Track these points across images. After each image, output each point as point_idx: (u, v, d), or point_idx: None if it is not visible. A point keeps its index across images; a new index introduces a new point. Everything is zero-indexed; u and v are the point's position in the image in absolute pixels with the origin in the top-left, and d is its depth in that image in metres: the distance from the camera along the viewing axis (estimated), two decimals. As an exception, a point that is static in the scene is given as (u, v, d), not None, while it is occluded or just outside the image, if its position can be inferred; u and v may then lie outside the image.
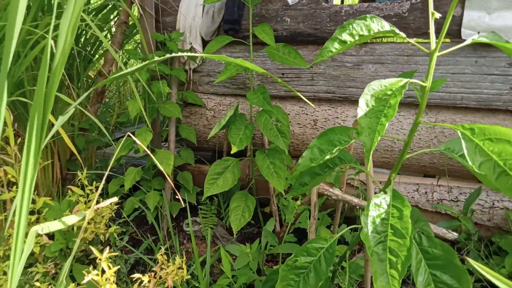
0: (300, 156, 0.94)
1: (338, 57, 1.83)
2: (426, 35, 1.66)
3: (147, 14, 1.99)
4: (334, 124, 1.92)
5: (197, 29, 2.03)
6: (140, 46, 2.22)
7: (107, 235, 1.46)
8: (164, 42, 1.94)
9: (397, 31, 0.78)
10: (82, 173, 1.45)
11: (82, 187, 1.49)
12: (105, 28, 2.34)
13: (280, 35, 1.88)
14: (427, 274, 0.86)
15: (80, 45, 2.23)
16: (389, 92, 0.73)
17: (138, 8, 1.95)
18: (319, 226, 1.76)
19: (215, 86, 2.12)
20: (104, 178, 0.83)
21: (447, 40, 1.71)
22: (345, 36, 0.79)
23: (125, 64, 2.60)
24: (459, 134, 0.74)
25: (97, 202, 1.51)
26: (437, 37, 0.76)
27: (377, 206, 0.79)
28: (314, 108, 1.96)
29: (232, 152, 1.60)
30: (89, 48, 2.28)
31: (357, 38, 0.79)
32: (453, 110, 1.71)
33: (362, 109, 0.73)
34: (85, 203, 1.47)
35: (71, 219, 0.82)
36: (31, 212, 1.41)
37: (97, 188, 1.52)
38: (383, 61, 1.75)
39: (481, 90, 1.62)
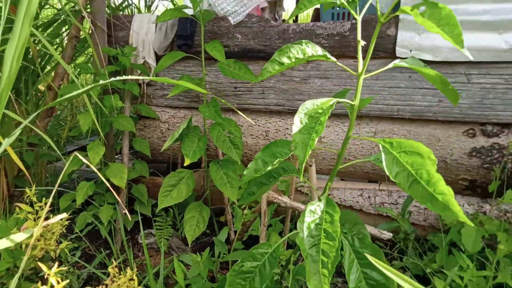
0: (247, 167, 1.02)
1: (287, 72, 1.94)
2: (366, 52, 1.80)
3: (99, 29, 1.99)
4: (285, 135, 2.02)
5: (150, 44, 2.06)
6: (91, 60, 2.21)
7: (58, 252, 1.44)
8: (117, 56, 1.96)
9: (329, 55, 0.88)
10: (30, 190, 1.43)
11: (31, 204, 1.46)
12: (55, 42, 2.30)
13: (232, 51, 1.96)
14: (358, 272, 0.96)
15: (28, 58, 2.18)
16: (320, 111, 0.82)
17: (89, 23, 1.95)
18: (272, 232, 1.84)
19: (169, 99, 2.16)
20: (53, 193, 0.85)
21: (387, 57, 1.86)
22: (284, 59, 0.88)
23: (77, 77, 2.56)
24: (380, 147, 0.84)
25: (47, 218, 1.49)
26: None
27: (312, 213, 0.88)
28: (266, 120, 2.05)
29: (185, 164, 1.64)
30: (39, 61, 2.23)
31: (293, 60, 0.88)
32: (391, 120, 1.87)
33: (296, 126, 0.81)
34: (34, 220, 1.44)
35: (18, 237, 0.83)
36: (-24, 231, 1.37)
37: (46, 204, 1.49)
38: (328, 76, 1.88)
39: (414, 102, 1.79)
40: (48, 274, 0.86)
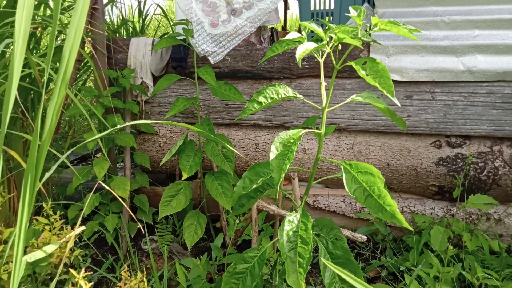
0: (236, 184, 1.21)
1: (273, 89, 2.13)
2: (343, 72, 2.01)
3: (99, 52, 2.18)
4: (273, 147, 2.22)
5: (147, 66, 2.25)
6: (93, 82, 2.39)
7: (72, 258, 1.62)
8: (117, 78, 2.14)
9: (298, 94, 1.08)
10: (47, 204, 1.61)
11: (47, 216, 1.64)
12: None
13: (223, 71, 2.15)
14: (332, 270, 1.15)
15: (32, 79, 2.36)
16: (291, 141, 1.01)
17: (90, 47, 2.13)
18: (263, 236, 2.04)
19: (166, 115, 2.34)
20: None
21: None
22: (261, 99, 1.08)
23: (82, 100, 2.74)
24: (342, 168, 1.04)
25: (61, 229, 1.67)
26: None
27: (290, 222, 1.07)
28: (255, 134, 2.25)
29: (183, 178, 1.83)
30: (45, 81, 2.40)
31: (269, 100, 1.08)
32: (368, 133, 2.08)
33: (273, 153, 1.01)
34: (50, 230, 1.62)
35: (49, 248, 1.01)
36: (-1, 243, 1.55)
37: (61, 216, 1.68)
38: (309, 94, 2.08)
39: (387, 117, 1.99)
40: (78, 278, 1.04)
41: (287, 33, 4.37)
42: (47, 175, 0.88)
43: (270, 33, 2.62)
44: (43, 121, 0.87)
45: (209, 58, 1.86)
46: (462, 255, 1.83)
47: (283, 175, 0.96)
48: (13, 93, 0.82)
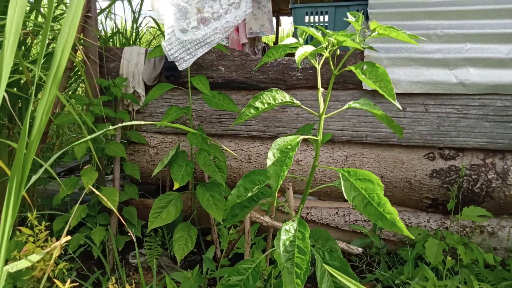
0: (230, 194, 1.17)
1: (266, 100, 2.12)
2: (338, 84, 2.01)
3: (91, 61, 2.15)
4: (266, 158, 2.19)
5: (140, 75, 2.22)
6: (84, 91, 2.35)
7: (56, 272, 1.55)
8: (109, 87, 2.11)
9: (295, 100, 1.07)
10: (32, 214, 1.54)
11: (32, 227, 1.58)
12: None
13: (216, 82, 2.14)
14: (329, 282, 1.12)
15: (20, 86, 2.31)
16: (289, 147, 0.99)
17: (82, 55, 2.10)
18: (256, 249, 1.99)
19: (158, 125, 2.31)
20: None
21: (355, 89, 2.07)
22: (258, 104, 1.06)
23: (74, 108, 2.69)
24: (340, 175, 1.02)
25: (45, 241, 1.60)
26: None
27: (287, 232, 1.04)
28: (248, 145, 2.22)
29: (174, 188, 1.79)
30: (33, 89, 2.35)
31: (266, 105, 1.06)
32: (361, 145, 2.07)
33: (270, 159, 0.99)
34: (34, 242, 1.55)
35: (34, 257, 0.96)
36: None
37: (46, 228, 1.61)
38: (304, 105, 2.06)
39: (381, 129, 1.99)
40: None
41: (279, 47, 4.41)
42: (33, 178, 0.83)
43: (263, 45, 2.63)
44: (30, 129, 0.83)
45: (177, 63, 1.85)
46: (457, 268, 1.81)
47: (281, 182, 0.93)
48: (0, 94, 0.79)
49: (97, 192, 1.13)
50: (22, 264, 0.89)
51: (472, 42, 1.76)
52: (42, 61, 0.84)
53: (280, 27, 5.33)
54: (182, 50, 1.79)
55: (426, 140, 1.91)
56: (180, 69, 1.85)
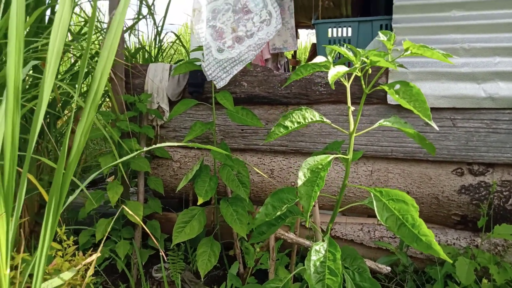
0: (258, 212, 1.17)
1: (289, 115, 2.12)
2: (360, 98, 1.99)
3: (118, 77, 2.20)
4: (288, 173, 2.18)
5: (164, 91, 2.26)
6: (108, 106, 2.41)
7: (83, 286, 1.57)
8: (134, 102, 2.15)
9: (325, 119, 1.06)
10: (61, 229, 1.57)
11: (60, 241, 1.60)
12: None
13: (239, 97, 2.15)
14: (362, 305, 1.09)
15: (49, 103, 2.38)
16: (320, 166, 0.98)
17: (110, 73, 2.15)
18: (279, 266, 1.96)
19: (181, 140, 2.33)
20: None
21: (379, 103, 2.04)
22: (288, 123, 1.06)
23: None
24: (372, 195, 1.00)
25: (73, 255, 1.63)
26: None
27: (317, 252, 1.03)
28: (271, 159, 2.22)
29: (198, 203, 1.79)
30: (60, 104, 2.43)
31: (296, 124, 1.06)
32: (386, 160, 2.03)
33: (301, 179, 0.98)
34: (62, 256, 1.58)
35: (66, 276, 0.97)
36: (10, 268, 1.50)
37: (74, 242, 1.64)
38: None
39: (406, 144, 1.96)
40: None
41: (297, 61, 4.43)
42: (69, 199, 0.85)
43: (286, 60, 2.64)
44: (57, 145, 0.85)
45: (214, 82, 1.90)
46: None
47: (313, 203, 0.92)
48: (41, 116, 0.81)
49: (125, 207, 1.14)
50: (56, 282, 0.91)
51: (502, 56, 1.72)
52: (83, 73, 0.86)
53: (298, 39, 5.36)
54: (220, 69, 1.84)
55: (454, 155, 1.87)
56: (218, 87, 1.91)
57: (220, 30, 1.87)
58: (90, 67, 2.20)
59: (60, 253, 1.57)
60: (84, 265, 1.49)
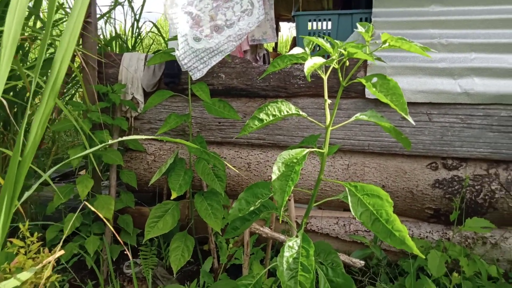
0: (229, 203, 1.13)
1: (267, 108, 2.09)
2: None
3: (90, 67, 2.10)
4: (266, 166, 2.15)
5: (139, 81, 2.18)
6: (81, 97, 2.31)
7: (47, 285, 1.49)
8: (107, 93, 2.06)
9: (301, 112, 1.03)
10: (23, 225, 1.49)
11: (23, 238, 1.52)
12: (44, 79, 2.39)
13: (217, 89, 2.10)
14: (334, 302, 1.07)
15: (17, 92, 2.26)
16: (294, 160, 0.95)
17: (81, 61, 2.06)
18: (253, 260, 1.94)
19: (156, 132, 2.26)
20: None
21: (357, 97, 2.04)
22: (263, 116, 1.02)
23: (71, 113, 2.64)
24: (347, 189, 0.98)
25: (37, 252, 1.55)
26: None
27: (290, 248, 1.00)
28: (248, 152, 2.18)
29: (172, 198, 1.74)
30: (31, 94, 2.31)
31: (271, 117, 1.02)
32: (363, 154, 2.03)
33: (275, 173, 0.95)
34: (25, 253, 1.50)
35: (25, 275, 0.91)
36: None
37: (39, 238, 1.56)
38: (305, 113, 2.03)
39: (383, 138, 1.96)
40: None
41: (278, 54, 4.40)
42: (26, 194, 0.79)
43: (265, 52, 2.60)
44: (26, 136, 0.78)
45: (190, 73, 1.82)
46: (460, 280, 1.77)
47: (287, 198, 0.89)
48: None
49: (90, 206, 1.08)
50: (11, 283, 0.84)
51: (477, 52, 1.73)
52: (40, 67, 0.80)
53: (279, 33, 5.32)
54: (196, 59, 1.76)
55: (429, 149, 1.88)
56: (194, 78, 1.81)
57: (197, 18, 1.79)
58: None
59: (23, 250, 1.49)
60: (49, 262, 1.42)
